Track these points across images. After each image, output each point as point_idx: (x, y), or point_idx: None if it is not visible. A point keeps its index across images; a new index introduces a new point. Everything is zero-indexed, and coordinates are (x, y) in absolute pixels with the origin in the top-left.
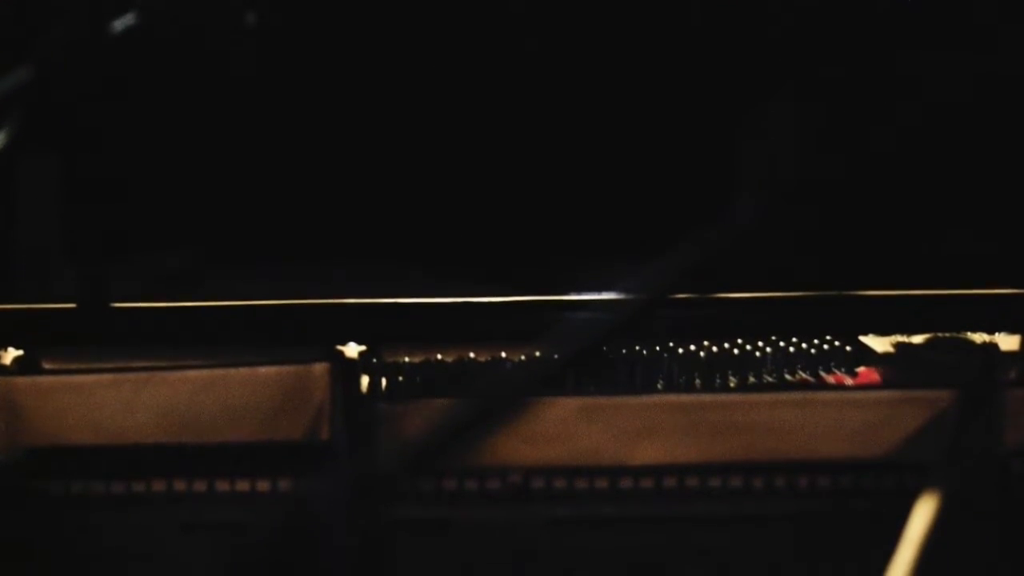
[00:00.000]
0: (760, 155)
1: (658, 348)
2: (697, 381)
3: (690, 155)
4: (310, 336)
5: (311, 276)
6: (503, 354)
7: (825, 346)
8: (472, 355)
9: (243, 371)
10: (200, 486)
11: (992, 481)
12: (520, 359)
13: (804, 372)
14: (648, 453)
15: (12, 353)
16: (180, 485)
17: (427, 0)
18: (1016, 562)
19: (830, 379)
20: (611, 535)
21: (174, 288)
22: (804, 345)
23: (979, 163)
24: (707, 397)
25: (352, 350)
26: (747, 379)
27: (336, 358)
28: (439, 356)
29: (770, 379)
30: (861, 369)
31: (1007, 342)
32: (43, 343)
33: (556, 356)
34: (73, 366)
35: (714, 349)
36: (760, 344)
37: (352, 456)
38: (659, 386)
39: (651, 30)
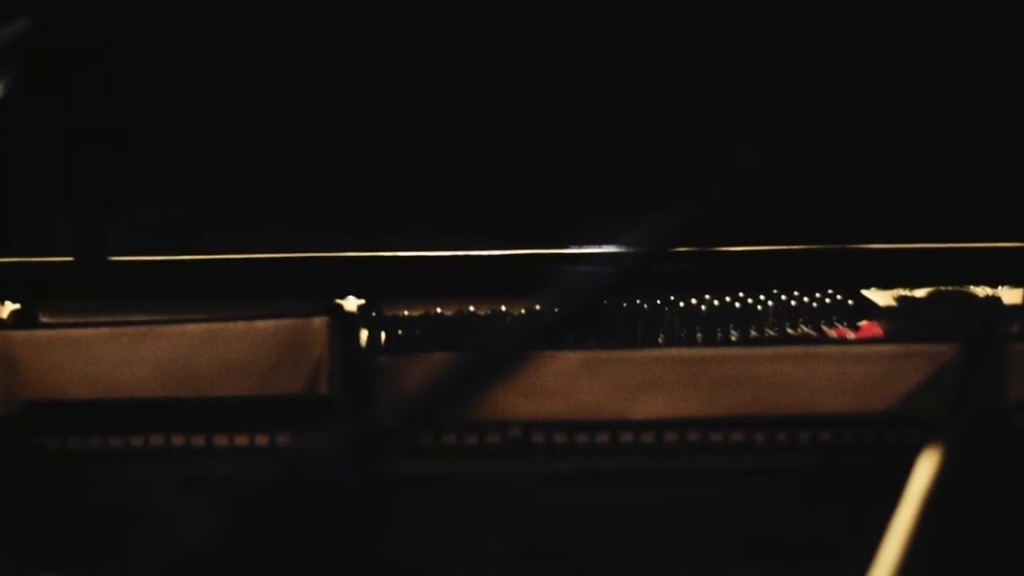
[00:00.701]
0: (762, 107)
1: (659, 301)
2: (698, 335)
3: (692, 107)
4: (309, 290)
5: (310, 229)
6: (503, 308)
7: (827, 300)
8: (472, 309)
9: (241, 325)
10: (198, 441)
11: (994, 435)
12: (520, 313)
13: (806, 326)
14: (649, 407)
15: (9, 307)
16: (178, 440)
17: None
18: (1019, 516)
19: (832, 333)
20: (612, 489)
21: (172, 241)
22: (806, 299)
23: (982, 114)
24: (708, 351)
25: (351, 304)
26: (748, 333)
27: (335, 312)
28: (439, 310)
29: (772, 333)
30: (863, 323)
31: (1010, 296)
32: (40, 296)
33: (556, 310)
34: (70, 320)
35: (715, 302)
36: (762, 298)
37: (351, 410)
38: (660, 340)
39: None
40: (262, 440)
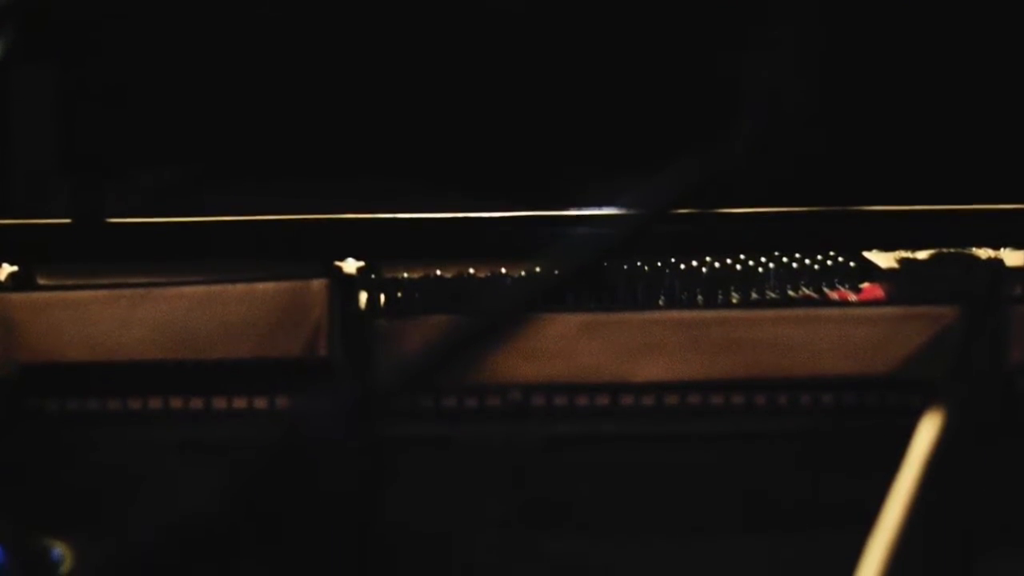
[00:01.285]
0: (763, 69)
1: (660, 264)
2: (699, 297)
3: (694, 69)
4: (308, 252)
5: (309, 191)
6: (503, 270)
7: (829, 262)
8: (472, 271)
9: (240, 287)
10: (197, 403)
11: (996, 398)
12: (520, 275)
13: (808, 288)
14: (650, 370)
15: (7, 269)
16: (177, 403)
17: None
18: (1020, 478)
19: (834, 295)
20: (612, 452)
21: (171, 203)
22: (808, 261)
23: (984, 75)
24: (709, 313)
25: (350, 266)
26: (750, 295)
27: (334, 274)
28: (438, 272)
29: (773, 295)
30: (865, 285)
31: (1012, 257)
32: (38, 259)
33: (557, 272)
34: (69, 282)
35: (716, 265)
36: (763, 260)
37: (350, 373)
38: (661, 302)
39: None
40: (261, 403)
